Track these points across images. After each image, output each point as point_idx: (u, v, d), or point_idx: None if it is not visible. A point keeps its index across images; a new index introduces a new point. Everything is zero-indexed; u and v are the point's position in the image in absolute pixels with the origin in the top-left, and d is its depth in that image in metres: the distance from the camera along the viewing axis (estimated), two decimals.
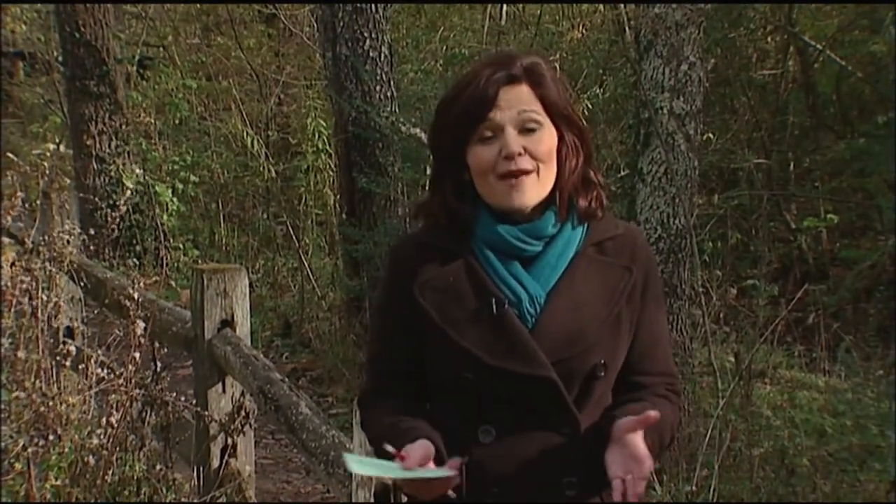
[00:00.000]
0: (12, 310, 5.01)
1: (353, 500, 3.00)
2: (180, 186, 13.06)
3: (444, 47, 12.96)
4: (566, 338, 2.26)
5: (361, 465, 2.21)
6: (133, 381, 4.63)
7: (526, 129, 2.29)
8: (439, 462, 2.21)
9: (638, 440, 2.17)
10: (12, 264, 5.09)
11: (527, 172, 2.28)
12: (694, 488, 5.43)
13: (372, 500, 2.93)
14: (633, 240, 2.40)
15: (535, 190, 2.30)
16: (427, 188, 2.50)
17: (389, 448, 2.19)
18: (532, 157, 2.28)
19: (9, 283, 5.01)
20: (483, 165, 2.30)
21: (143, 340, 4.65)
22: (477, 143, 2.30)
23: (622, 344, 2.33)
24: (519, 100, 2.30)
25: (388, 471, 2.16)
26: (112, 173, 12.81)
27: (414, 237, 2.49)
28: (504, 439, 2.27)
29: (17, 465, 4.32)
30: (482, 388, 2.27)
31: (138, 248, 12.48)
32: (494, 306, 2.28)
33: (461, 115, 2.31)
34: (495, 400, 2.27)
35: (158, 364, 5.05)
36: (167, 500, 4.73)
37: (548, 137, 2.31)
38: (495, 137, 2.29)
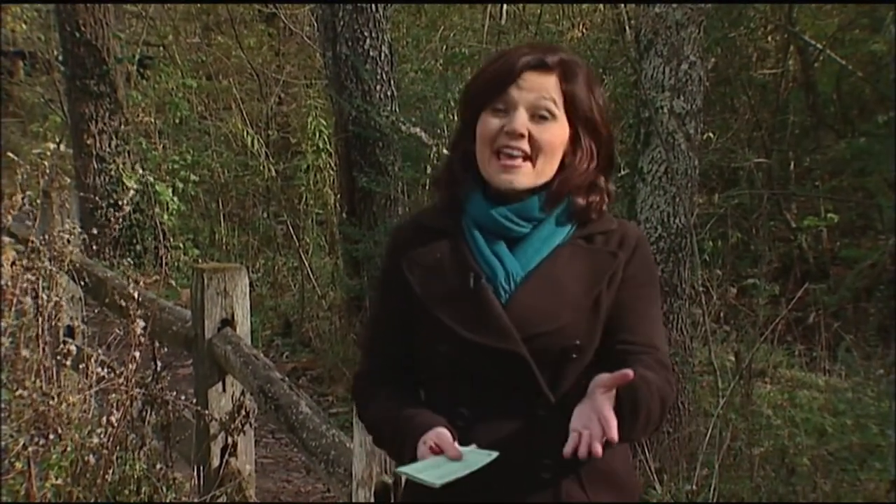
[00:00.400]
0: (13, 309, 5.01)
1: (354, 500, 3.00)
2: (180, 186, 13.06)
3: (445, 47, 12.95)
4: (538, 315, 2.26)
5: (417, 471, 2.18)
6: (133, 380, 4.63)
7: (538, 116, 2.31)
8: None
9: (606, 400, 2.11)
10: (13, 263, 5.09)
11: (523, 156, 2.30)
12: (694, 487, 5.43)
13: (372, 499, 2.93)
14: (624, 231, 2.40)
15: (528, 177, 2.32)
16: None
17: (423, 447, 2.19)
18: (533, 144, 2.30)
19: (9, 283, 5.01)
20: (485, 134, 2.33)
21: (143, 340, 4.66)
22: (488, 113, 2.33)
23: (600, 327, 2.31)
24: (541, 86, 2.32)
25: (451, 471, 2.14)
26: (112, 172, 12.81)
27: (412, 219, 2.55)
28: (480, 420, 2.27)
29: (18, 465, 4.32)
30: (458, 363, 2.29)
31: (138, 247, 12.47)
32: (472, 281, 2.30)
33: (484, 84, 2.36)
34: (471, 378, 2.28)
35: (159, 363, 5.06)
36: (167, 500, 4.74)
37: (557, 131, 2.33)
38: (506, 113, 2.31)
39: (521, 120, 2.29)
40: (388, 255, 2.48)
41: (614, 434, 2.06)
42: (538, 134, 2.30)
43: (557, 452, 2.18)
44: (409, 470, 2.16)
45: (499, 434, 2.26)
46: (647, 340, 2.34)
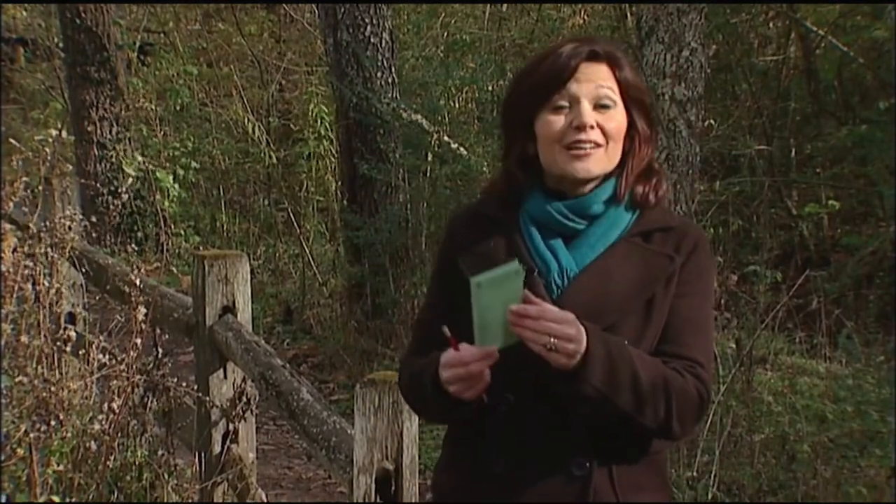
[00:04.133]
0: (14, 296, 5.01)
1: (355, 486, 3.00)
2: (181, 173, 13.05)
3: (446, 33, 12.93)
4: (587, 312, 2.23)
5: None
6: (134, 366, 4.64)
7: (600, 105, 2.31)
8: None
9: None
10: (14, 250, 5.09)
11: (597, 145, 2.30)
12: (695, 474, 5.44)
13: (373, 486, 2.94)
14: (684, 233, 2.38)
15: (601, 162, 2.32)
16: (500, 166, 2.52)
17: (446, 331, 2.20)
18: (603, 133, 2.30)
19: (10, 269, 5.01)
20: (552, 135, 2.32)
21: (144, 326, 4.66)
22: (549, 112, 2.32)
23: (651, 330, 2.30)
24: (598, 75, 2.32)
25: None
26: (113, 159, 12.82)
27: (470, 207, 2.57)
28: (519, 411, 2.28)
29: (19, 451, 4.33)
30: (502, 353, 2.26)
31: (139, 234, 12.48)
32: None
33: (538, 83, 2.34)
34: (514, 367, 2.25)
35: (160, 350, 5.06)
36: (168, 486, 4.74)
37: (619, 117, 2.33)
38: (568, 108, 2.31)
39: (588, 112, 2.29)
40: (444, 244, 2.50)
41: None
42: (605, 122, 2.30)
43: (592, 452, 2.24)
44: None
45: (535, 425, 2.27)
46: (688, 353, 2.31)
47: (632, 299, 2.28)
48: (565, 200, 2.34)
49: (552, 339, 2.11)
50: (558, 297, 2.28)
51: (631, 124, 2.36)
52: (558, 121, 2.30)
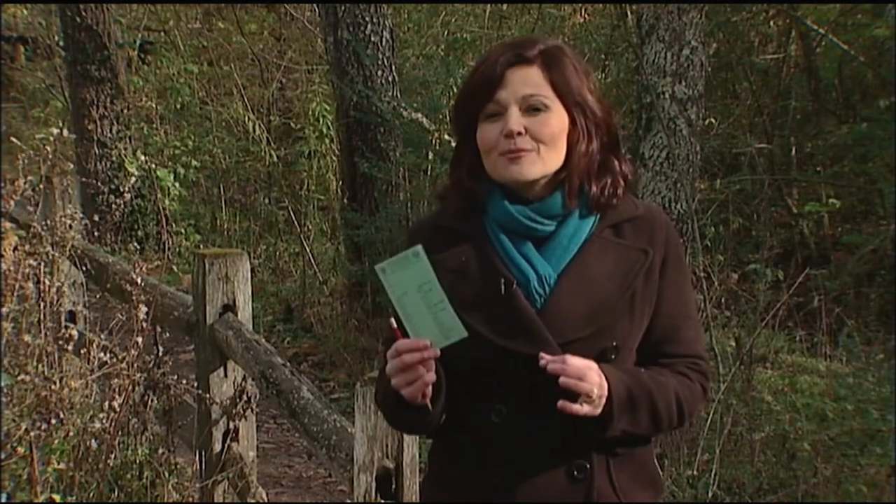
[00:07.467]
0: (15, 294, 5.01)
1: (355, 485, 3.00)
2: (182, 171, 13.07)
3: (446, 32, 12.95)
4: (575, 319, 2.23)
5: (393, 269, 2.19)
6: (135, 365, 4.63)
7: (531, 110, 2.27)
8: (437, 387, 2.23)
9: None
10: (15, 249, 5.09)
11: (526, 151, 2.26)
12: (695, 472, 5.44)
13: (374, 484, 2.94)
14: (653, 221, 2.36)
15: (535, 166, 2.28)
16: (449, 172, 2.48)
17: (392, 322, 2.22)
18: (533, 137, 2.26)
19: (11, 268, 5.01)
20: (486, 143, 2.30)
21: (145, 325, 4.66)
22: (484, 122, 2.30)
23: (636, 327, 2.29)
24: (525, 81, 2.28)
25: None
26: (114, 158, 12.83)
27: (430, 219, 2.50)
28: (513, 420, 2.26)
29: (20, 449, 4.32)
30: (490, 368, 2.26)
31: (140, 232, 12.49)
32: (503, 286, 2.26)
33: (470, 93, 2.33)
34: (504, 380, 2.25)
35: (160, 348, 5.06)
36: (169, 484, 4.75)
37: (554, 120, 2.28)
38: (500, 116, 2.28)
39: (516, 118, 2.26)
40: None
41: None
42: (535, 127, 2.27)
43: (591, 453, 2.25)
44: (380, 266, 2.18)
45: (532, 433, 2.25)
46: (690, 350, 2.35)
47: (616, 298, 2.27)
48: (529, 204, 2.30)
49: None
50: (543, 306, 2.26)
51: (572, 123, 2.31)
52: (493, 129, 2.28)
